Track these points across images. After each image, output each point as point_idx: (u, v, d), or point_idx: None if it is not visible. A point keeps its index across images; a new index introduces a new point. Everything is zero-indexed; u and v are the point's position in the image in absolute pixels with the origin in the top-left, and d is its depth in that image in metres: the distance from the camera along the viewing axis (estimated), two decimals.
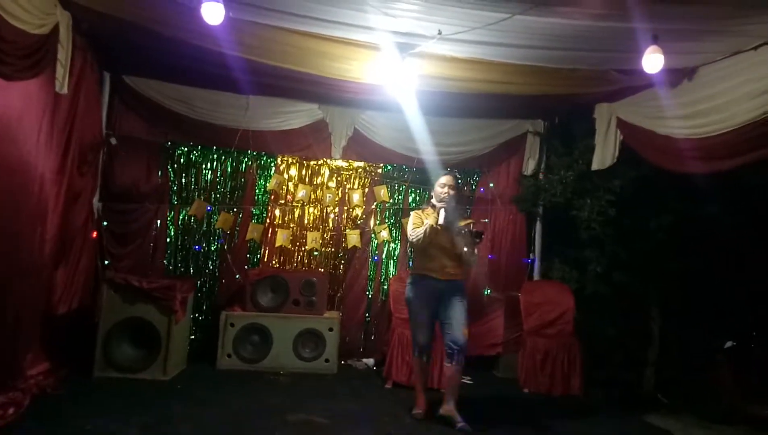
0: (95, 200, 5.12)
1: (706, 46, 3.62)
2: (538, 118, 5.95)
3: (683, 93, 4.01)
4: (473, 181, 6.11)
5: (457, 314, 3.92)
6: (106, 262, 5.17)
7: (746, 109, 3.45)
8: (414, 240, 3.94)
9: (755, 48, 3.45)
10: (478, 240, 3.85)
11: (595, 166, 4.98)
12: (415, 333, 4.08)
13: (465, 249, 3.88)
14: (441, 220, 3.80)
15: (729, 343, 4.72)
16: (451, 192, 3.97)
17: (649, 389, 5.01)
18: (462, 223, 4.02)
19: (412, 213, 4.16)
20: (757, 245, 4.67)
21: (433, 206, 4.08)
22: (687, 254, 4.85)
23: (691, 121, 3.93)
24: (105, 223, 5.23)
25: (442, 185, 4.02)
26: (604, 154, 4.91)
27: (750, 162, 3.52)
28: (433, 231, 3.86)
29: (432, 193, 4.16)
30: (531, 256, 6.01)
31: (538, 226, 6.00)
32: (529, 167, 5.98)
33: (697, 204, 4.71)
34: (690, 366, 4.89)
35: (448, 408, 3.90)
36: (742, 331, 4.83)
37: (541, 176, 5.87)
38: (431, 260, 3.96)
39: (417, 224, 3.99)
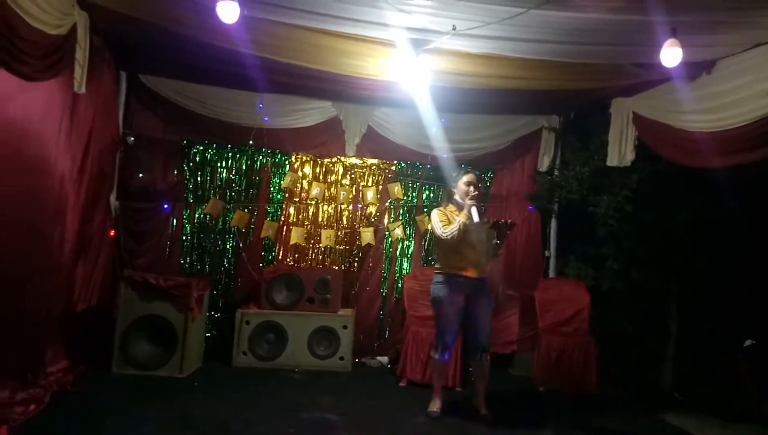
0: (112, 199, 5.18)
1: (725, 38, 3.56)
2: (553, 114, 5.89)
3: (702, 86, 3.94)
4: (488, 177, 6.08)
5: (484, 315, 3.99)
6: (123, 260, 5.22)
7: (765, 103, 3.39)
8: (447, 237, 3.87)
9: None
10: (509, 232, 3.83)
11: (612, 163, 4.91)
12: (442, 333, 4.04)
13: (497, 241, 3.86)
14: (476, 218, 3.78)
15: (748, 342, 4.64)
16: (475, 191, 3.94)
17: (666, 387, 4.95)
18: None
19: (435, 211, 4.09)
20: None
21: (456, 204, 4.05)
22: (705, 250, 4.78)
23: (710, 114, 3.87)
24: (122, 222, 5.28)
25: (467, 183, 3.98)
26: (622, 151, 4.84)
27: (766, 156, 3.45)
28: (464, 228, 3.84)
29: (454, 191, 4.10)
30: (546, 253, 5.96)
31: (554, 223, 5.95)
32: (544, 163, 5.92)
33: (715, 199, 4.64)
34: (708, 364, 4.82)
35: (480, 399, 4.05)
36: (761, 329, 4.74)
37: (556, 172, 5.82)
38: (463, 258, 3.94)
39: (444, 222, 3.95)
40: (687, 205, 4.74)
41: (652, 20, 3.17)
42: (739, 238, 4.67)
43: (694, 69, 3.91)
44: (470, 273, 3.94)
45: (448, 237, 3.86)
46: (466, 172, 4.10)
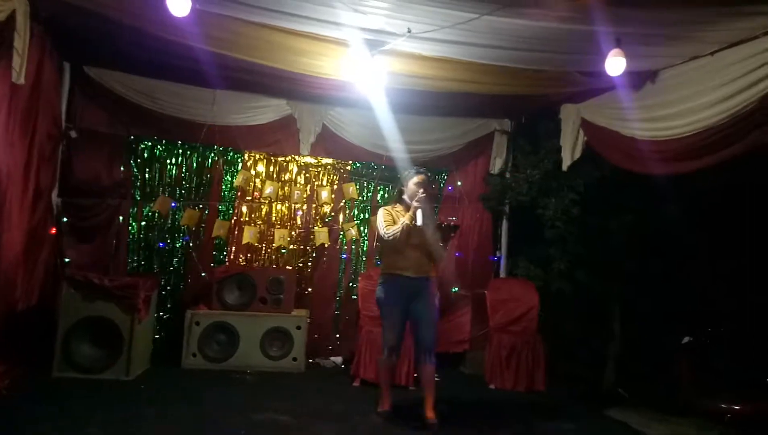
0: (54, 195, 4.96)
1: (666, 50, 3.73)
2: (505, 118, 6.03)
3: (646, 96, 4.12)
4: (441, 179, 6.16)
5: (429, 314, 3.93)
6: (66, 260, 5.02)
7: (707, 115, 3.56)
8: (389, 237, 3.86)
9: (712, 54, 3.57)
10: (453, 234, 3.86)
11: (566, 166, 5.06)
12: (387, 333, 4.01)
13: (440, 244, 3.88)
14: (419, 221, 3.76)
15: (686, 339, 4.88)
16: (424, 193, 3.88)
17: (610, 384, 5.14)
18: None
19: (380, 210, 4.07)
20: (711, 245, 4.85)
21: (404, 203, 4.03)
22: (647, 253, 5.00)
23: (654, 123, 4.04)
24: (65, 219, 5.07)
25: (416, 184, 3.94)
26: (568, 154, 5.01)
27: (710, 164, 3.63)
28: (407, 229, 3.82)
29: (403, 189, 4.07)
30: (497, 253, 6.09)
31: (505, 225, 6.09)
32: (496, 166, 6.06)
33: (658, 204, 4.85)
34: (649, 361, 5.05)
35: (428, 404, 3.90)
36: (698, 327, 5.00)
37: (507, 175, 5.96)
38: (404, 259, 3.91)
39: (389, 222, 3.93)
40: (630, 209, 4.94)
41: (597, 30, 3.30)
42: (680, 241, 4.91)
43: (638, 78, 4.09)
44: (412, 273, 3.91)
45: (390, 237, 3.85)
46: (418, 173, 4.05)
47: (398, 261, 3.93)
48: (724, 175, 4.29)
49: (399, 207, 4.07)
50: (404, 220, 3.84)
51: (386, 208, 4.10)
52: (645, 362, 5.10)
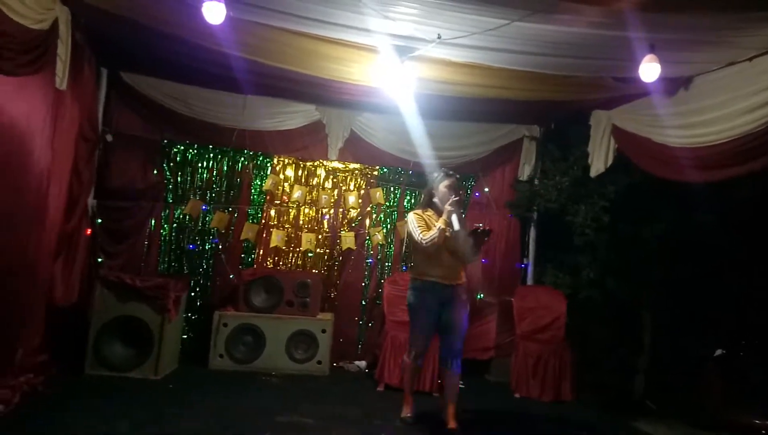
0: (90, 197, 5.09)
1: (701, 56, 3.66)
2: (534, 124, 5.97)
3: (680, 102, 4.04)
4: (469, 185, 6.13)
5: (459, 321, 3.85)
6: (99, 260, 5.15)
7: (743, 121, 3.48)
8: (427, 244, 3.69)
9: (750, 59, 3.49)
10: (486, 238, 3.79)
11: (593, 173, 4.99)
12: (415, 338, 3.95)
13: (474, 249, 3.78)
14: (456, 226, 3.63)
15: (718, 352, 4.75)
16: (456, 196, 3.76)
17: (639, 395, 5.03)
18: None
19: (410, 214, 3.94)
20: (747, 255, 4.72)
21: (435, 207, 3.92)
22: (678, 261, 4.89)
23: (688, 130, 3.96)
24: (99, 221, 5.21)
25: (448, 187, 3.82)
26: (598, 161, 4.94)
27: (745, 172, 3.55)
28: (443, 234, 3.72)
29: (433, 193, 3.95)
30: (525, 260, 6.03)
31: (532, 231, 6.02)
32: (525, 172, 6.00)
33: (688, 212, 4.75)
34: (680, 373, 4.92)
35: (449, 412, 3.84)
36: (731, 339, 4.86)
37: (536, 181, 5.89)
38: (439, 265, 3.81)
39: (422, 227, 3.79)
40: (662, 217, 4.84)
41: (631, 36, 3.25)
42: (712, 250, 4.79)
43: (672, 84, 4.01)
44: (446, 280, 3.83)
45: (428, 243, 3.68)
46: (447, 176, 3.89)
47: (432, 267, 3.83)
48: (763, 184, 4.18)
49: (430, 211, 3.94)
50: (439, 225, 3.70)
51: (416, 212, 3.94)
52: (675, 373, 4.98)
